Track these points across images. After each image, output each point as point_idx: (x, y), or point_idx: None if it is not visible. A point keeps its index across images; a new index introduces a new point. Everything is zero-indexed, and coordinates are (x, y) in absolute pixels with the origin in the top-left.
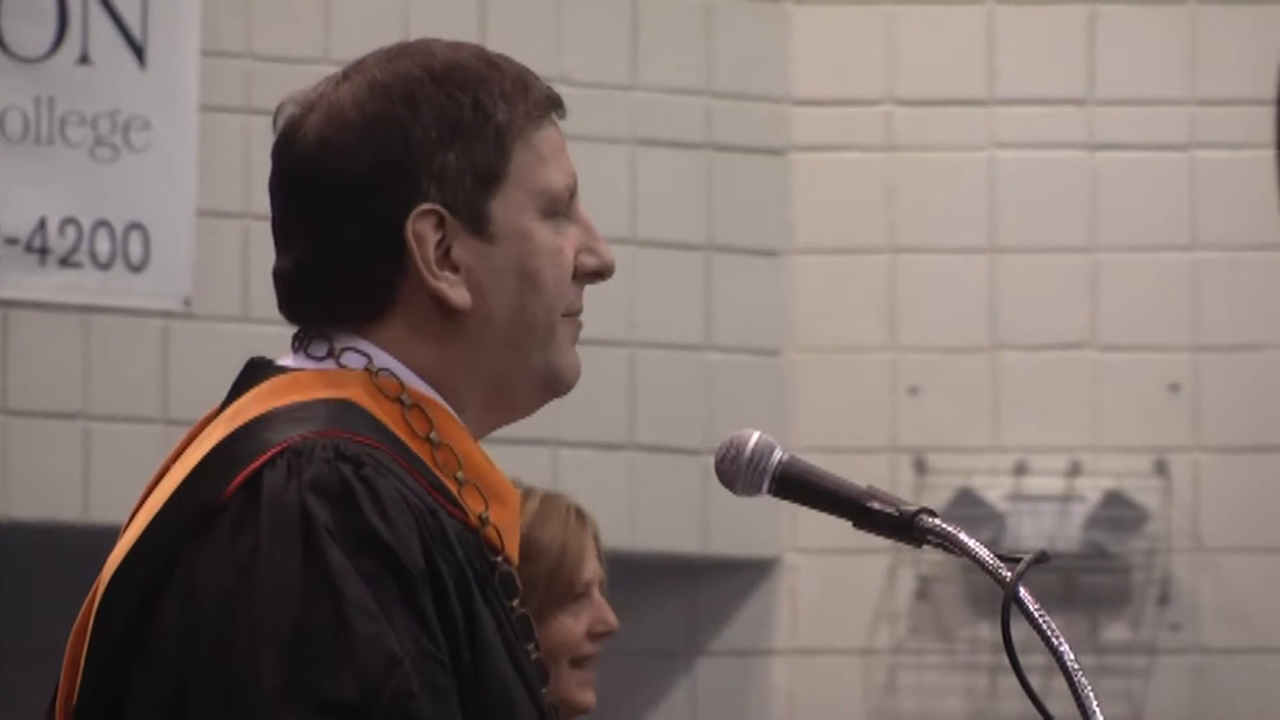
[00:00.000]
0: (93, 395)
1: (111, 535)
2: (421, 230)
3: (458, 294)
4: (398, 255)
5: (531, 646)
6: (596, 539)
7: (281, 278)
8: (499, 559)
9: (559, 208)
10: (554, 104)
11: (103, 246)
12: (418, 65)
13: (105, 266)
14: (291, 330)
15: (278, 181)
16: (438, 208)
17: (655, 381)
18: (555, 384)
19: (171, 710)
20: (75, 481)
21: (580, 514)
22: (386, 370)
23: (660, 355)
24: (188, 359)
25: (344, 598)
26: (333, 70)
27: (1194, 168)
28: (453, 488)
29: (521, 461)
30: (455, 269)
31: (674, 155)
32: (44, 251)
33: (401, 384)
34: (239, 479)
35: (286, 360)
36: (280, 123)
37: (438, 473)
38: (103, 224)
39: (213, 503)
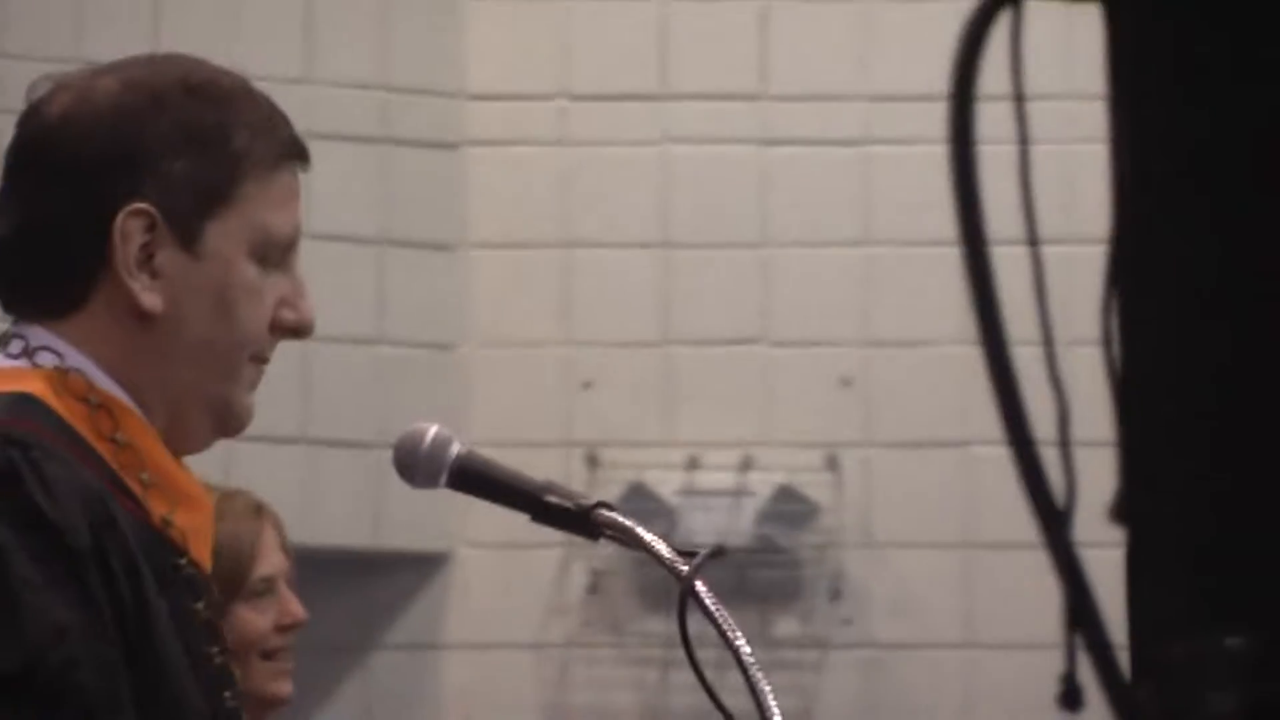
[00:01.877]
0: None
1: None
2: (130, 227)
3: (150, 298)
4: (101, 246)
5: (216, 650)
6: (281, 533)
7: None
8: (183, 561)
9: (273, 252)
10: (299, 153)
11: None
12: (177, 73)
13: None
14: None
15: (10, 149)
16: (152, 210)
17: (329, 375)
18: (226, 419)
19: None
20: None
21: (260, 509)
22: (77, 370)
23: (334, 349)
24: None
25: (9, 570)
26: (4, 64)
27: (867, 163)
28: (136, 488)
29: (195, 456)
30: (155, 274)
31: (348, 149)
32: None
33: (90, 384)
34: None
35: None
36: (30, 96)
37: (119, 472)
38: None
39: None
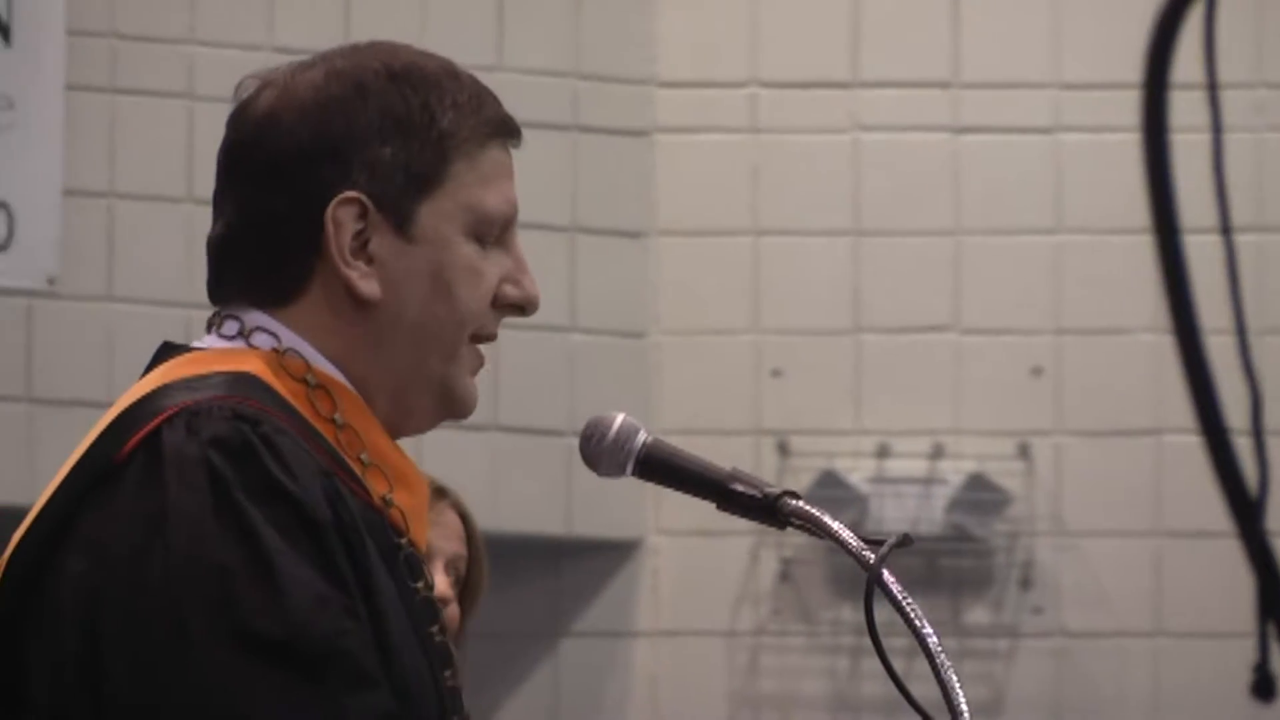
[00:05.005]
0: None
1: None
2: (341, 216)
3: (367, 285)
4: (316, 237)
5: (435, 629)
6: (468, 522)
7: (209, 246)
8: (403, 540)
9: (488, 230)
10: (509, 129)
11: None
12: (379, 60)
13: None
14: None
15: (222, 149)
16: (362, 197)
17: (519, 363)
18: (451, 402)
19: (77, 662)
20: None
21: (438, 492)
22: (293, 350)
23: (524, 337)
24: (51, 338)
25: (261, 540)
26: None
27: (1058, 151)
28: (356, 468)
29: None
30: (371, 261)
31: (539, 137)
32: None
33: (307, 364)
34: (136, 439)
35: (199, 342)
36: (239, 95)
37: (340, 452)
38: None
39: (110, 462)
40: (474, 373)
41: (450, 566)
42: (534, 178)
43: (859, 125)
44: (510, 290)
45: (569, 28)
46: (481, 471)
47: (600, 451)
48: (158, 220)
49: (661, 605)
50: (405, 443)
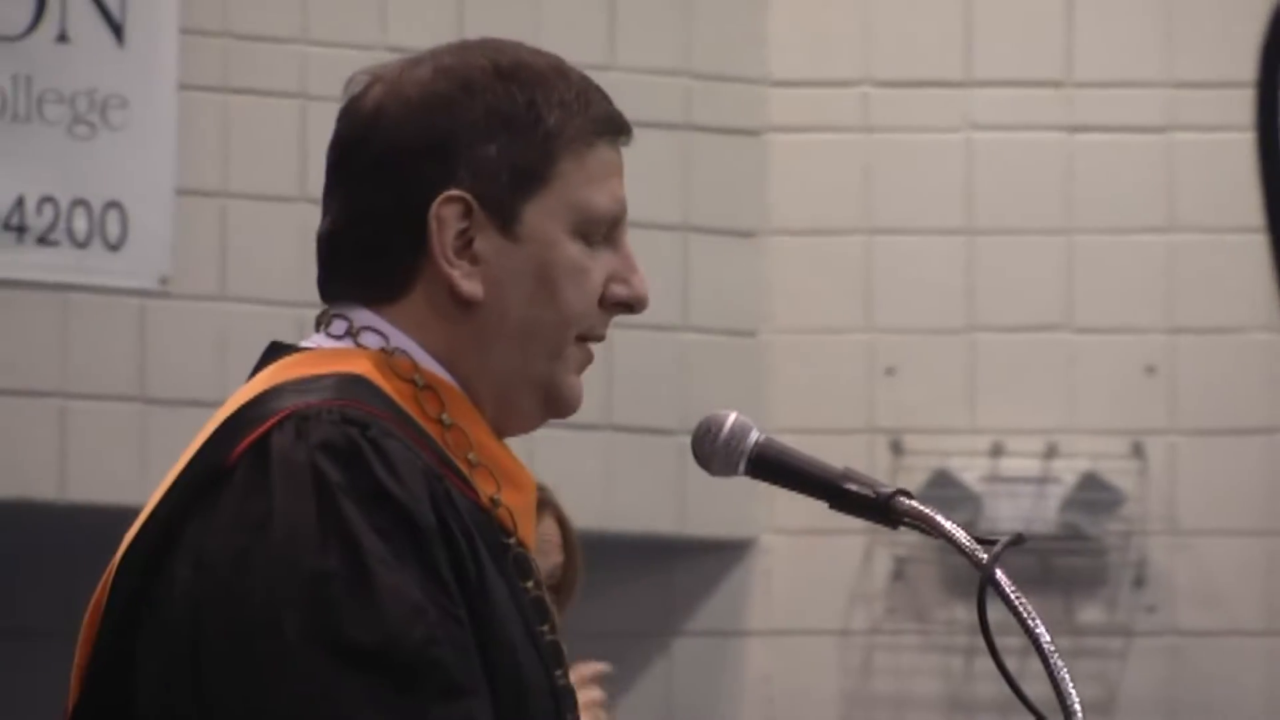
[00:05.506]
0: (69, 374)
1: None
2: (445, 214)
3: (469, 285)
4: (420, 235)
5: (546, 628)
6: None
7: (318, 242)
8: (511, 540)
9: (595, 229)
10: (618, 127)
11: (80, 225)
12: (486, 58)
13: (83, 245)
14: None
15: (331, 145)
16: (466, 196)
17: (632, 362)
18: (555, 401)
19: (184, 669)
20: (51, 460)
21: (542, 504)
22: (401, 351)
23: (637, 336)
24: (164, 338)
25: (362, 548)
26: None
27: (1171, 150)
28: (464, 468)
29: None
30: (475, 260)
31: (651, 136)
32: (21, 230)
33: (415, 365)
34: (245, 443)
35: (307, 341)
36: (349, 90)
37: (448, 452)
38: (80, 202)
39: (219, 466)
40: (580, 371)
41: (548, 579)
42: (646, 177)
43: (971, 124)
44: (619, 289)
45: (681, 27)
46: (595, 471)
47: (713, 451)
48: (270, 220)
49: (774, 604)
50: (517, 442)
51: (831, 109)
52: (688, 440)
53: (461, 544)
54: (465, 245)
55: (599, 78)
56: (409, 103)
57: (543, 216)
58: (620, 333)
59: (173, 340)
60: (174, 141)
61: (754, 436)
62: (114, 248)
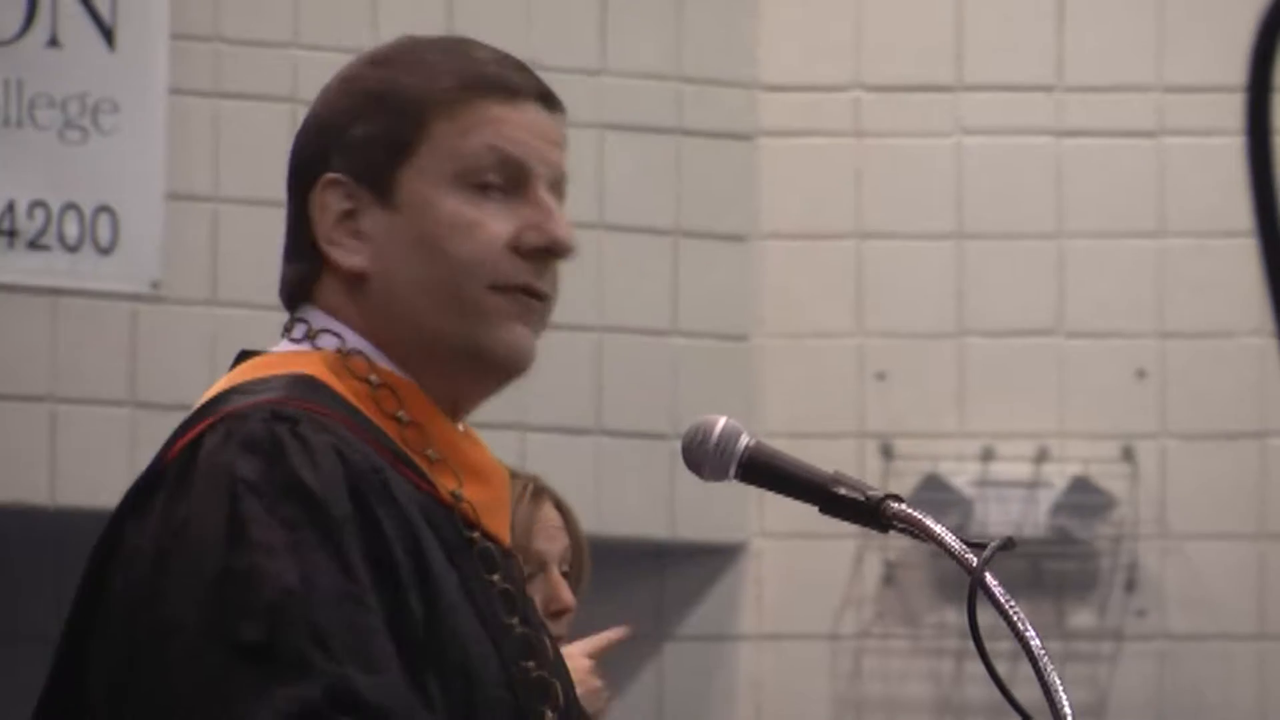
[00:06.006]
0: (60, 378)
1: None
2: (325, 199)
3: (350, 259)
4: (313, 227)
5: (516, 620)
6: (567, 516)
7: None
8: (475, 534)
9: (477, 175)
10: (501, 86)
11: (71, 229)
12: (374, 53)
13: (74, 249)
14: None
15: None
16: (341, 177)
17: (622, 366)
18: (486, 356)
19: (123, 673)
20: (42, 465)
21: (539, 490)
22: (358, 351)
23: (627, 340)
24: (156, 342)
25: (255, 545)
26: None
27: (1161, 155)
28: (424, 465)
29: (487, 445)
30: (363, 237)
31: (642, 140)
32: (12, 234)
33: (371, 364)
34: (179, 445)
35: (274, 348)
36: None
37: (405, 449)
38: (71, 206)
39: (156, 469)
40: (521, 320)
41: (563, 562)
42: (638, 181)
43: (962, 129)
44: (531, 235)
45: (673, 31)
46: (585, 475)
47: (703, 455)
48: (261, 224)
49: (765, 609)
50: (507, 447)
51: (822, 113)
52: (678, 445)
53: (389, 533)
54: (355, 225)
55: (590, 82)
56: (310, 113)
57: (417, 179)
58: (612, 336)
59: (164, 344)
60: (165, 146)
61: (744, 441)
62: (105, 252)
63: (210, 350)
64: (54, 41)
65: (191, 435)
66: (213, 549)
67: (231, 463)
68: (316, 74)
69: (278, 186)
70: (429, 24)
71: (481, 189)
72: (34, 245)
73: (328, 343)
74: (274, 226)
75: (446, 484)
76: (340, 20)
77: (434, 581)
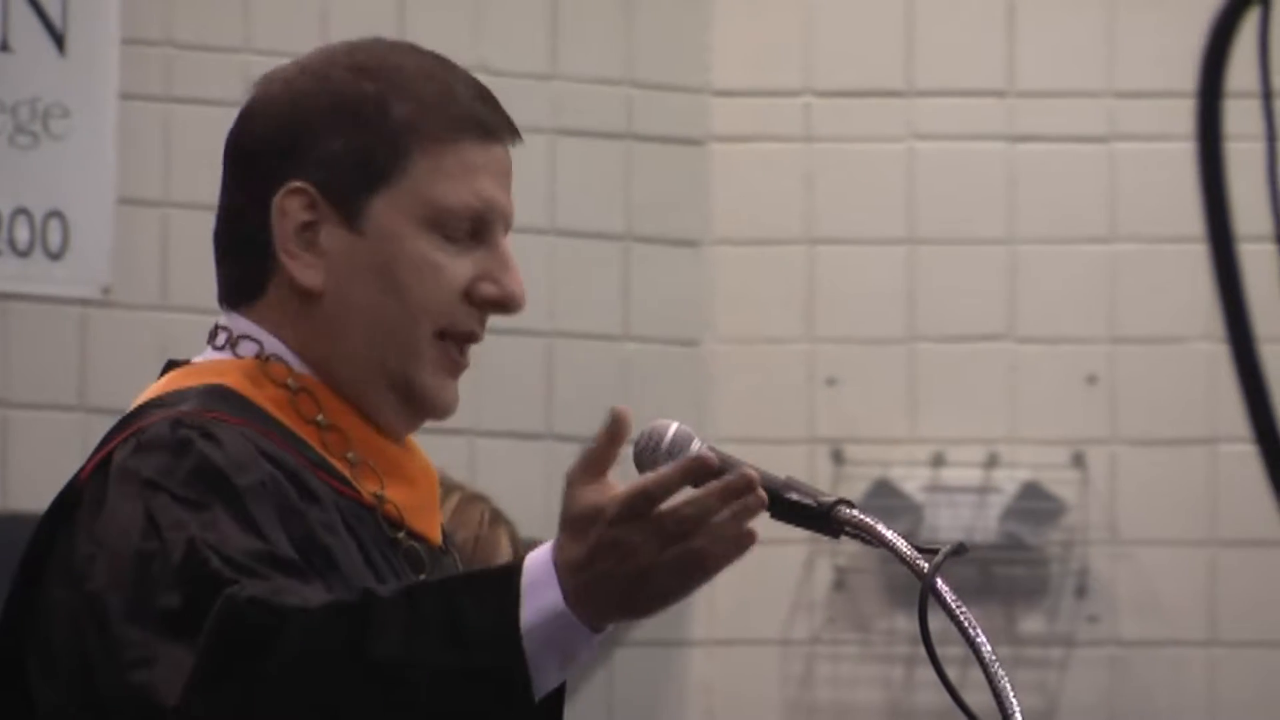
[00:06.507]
0: (10, 383)
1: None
2: (288, 206)
3: (308, 275)
4: (268, 230)
5: None
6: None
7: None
8: (400, 534)
9: (452, 225)
10: (484, 128)
11: (21, 234)
12: (349, 55)
13: (24, 254)
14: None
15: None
16: (309, 187)
17: (573, 371)
18: (416, 400)
19: (60, 680)
20: None
21: (495, 516)
22: (276, 357)
23: (578, 345)
24: (106, 347)
25: (160, 525)
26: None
27: (1113, 160)
28: (344, 468)
29: (439, 451)
30: (319, 253)
31: (593, 145)
32: None
33: (289, 369)
34: (93, 462)
35: (199, 356)
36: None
37: (324, 454)
38: (21, 211)
39: (74, 487)
40: (449, 373)
41: None
42: (588, 186)
43: (914, 134)
44: (487, 287)
45: (623, 36)
46: (536, 480)
47: (654, 460)
48: (212, 229)
49: (716, 614)
50: (458, 452)
51: (774, 118)
52: (629, 450)
53: (308, 516)
54: (312, 238)
55: (541, 87)
56: (271, 100)
57: (389, 210)
58: (561, 342)
59: (114, 349)
60: (116, 151)
61: (696, 446)
62: (55, 257)
63: (160, 355)
64: (4, 46)
65: (102, 455)
66: (127, 539)
67: (137, 466)
68: None
69: None
70: (380, 29)
71: (447, 234)
72: None
73: (247, 350)
74: None
75: (369, 486)
76: (292, 25)
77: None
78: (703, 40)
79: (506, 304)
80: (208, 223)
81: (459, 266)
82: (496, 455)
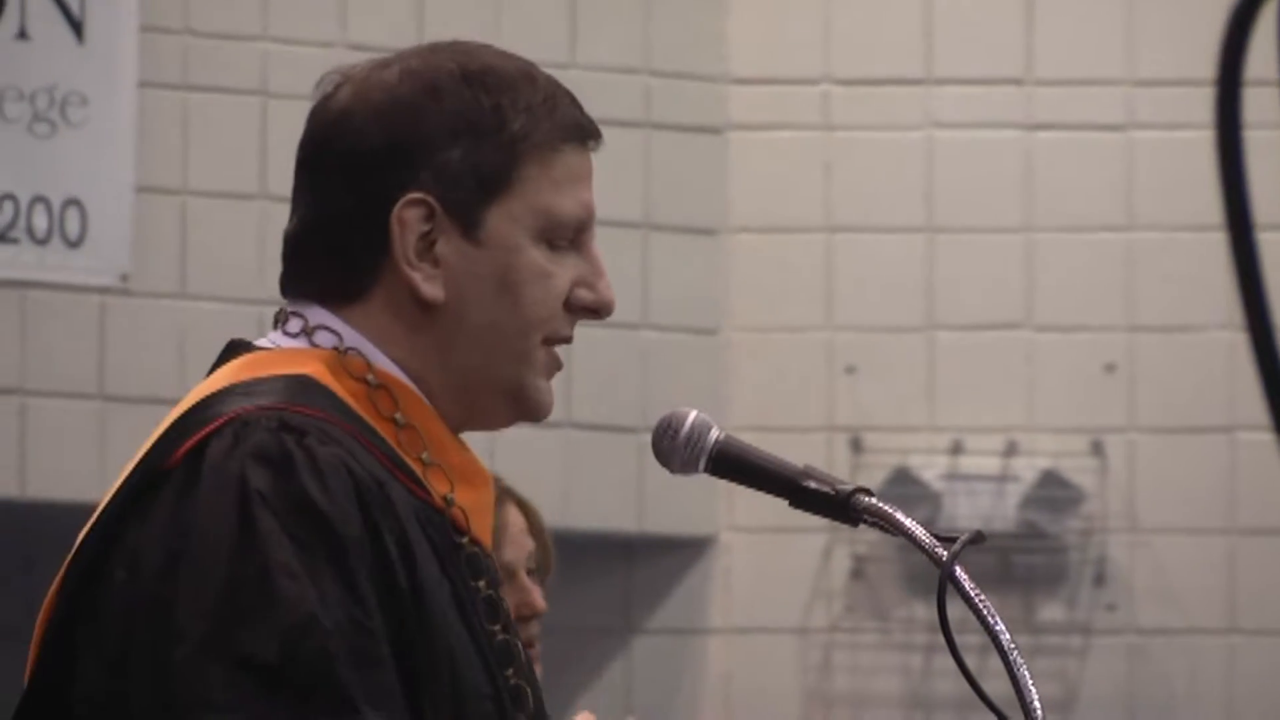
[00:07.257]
0: (29, 371)
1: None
2: (407, 217)
3: (430, 287)
4: (382, 238)
5: (498, 628)
6: (532, 519)
7: (284, 240)
8: (464, 539)
9: (560, 234)
10: (585, 133)
11: (40, 222)
12: (454, 61)
13: (42, 242)
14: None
15: (300, 144)
16: (429, 199)
17: (592, 360)
18: (524, 404)
19: (119, 674)
20: (11, 458)
21: (504, 492)
22: (355, 350)
23: (597, 333)
24: (124, 335)
25: (270, 559)
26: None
27: (1130, 148)
28: (417, 468)
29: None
30: (436, 263)
31: (612, 133)
32: None
33: (369, 364)
34: (184, 448)
35: (264, 340)
36: (320, 90)
37: (400, 452)
38: (40, 200)
39: (159, 470)
40: (549, 375)
41: (530, 560)
42: (606, 174)
43: (932, 122)
44: (584, 294)
45: (641, 25)
46: (554, 469)
47: (673, 448)
48: (230, 217)
49: (734, 602)
50: (477, 441)
51: (792, 107)
52: (648, 438)
53: (392, 552)
54: (427, 248)
55: (559, 76)
56: (375, 105)
57: (506, 221)
58: (580, 330)
59: (132, 337)
60: (134, 139)
61: (714, 434)
62: (74, 245)
63: (178, 343)
64: (23, 34)
65: (195, 440)
66: (222, 558)
67: (242, 472)
68: (286, 67)
69: (247, 179)
70: (399, 19)
71: (553, 243)
72: (2, 238)
73: (324, 340)
74: (243, 219)
75: (440, 488)
76: (310, 14)
77: (428, 600)
78: (720, 28)
79: (600, 310)
80: (226, 210)
81: (564, 274)
82: (515, 442)
